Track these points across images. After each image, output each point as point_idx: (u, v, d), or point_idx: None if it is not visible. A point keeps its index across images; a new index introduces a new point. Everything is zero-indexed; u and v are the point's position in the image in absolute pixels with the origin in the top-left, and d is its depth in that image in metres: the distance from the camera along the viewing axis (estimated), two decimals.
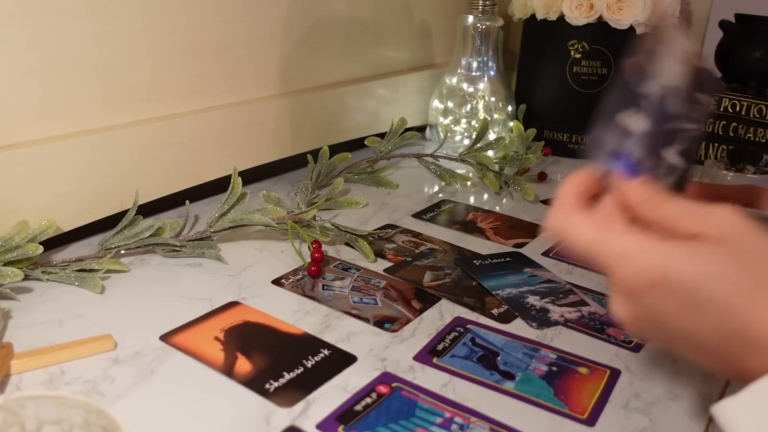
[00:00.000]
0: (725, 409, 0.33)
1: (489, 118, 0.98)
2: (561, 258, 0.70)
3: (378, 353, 0.52)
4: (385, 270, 0.66)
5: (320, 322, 0.56)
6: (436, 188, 0.90)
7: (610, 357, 0.53)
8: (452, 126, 1.00)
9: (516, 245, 0.73)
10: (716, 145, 1.03)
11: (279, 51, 0.83)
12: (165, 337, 0.53)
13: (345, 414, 0.45)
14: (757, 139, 0.99)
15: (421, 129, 1.05)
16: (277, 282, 0.63)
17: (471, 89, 0.99)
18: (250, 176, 0.85)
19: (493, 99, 0.99)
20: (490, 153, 0.94)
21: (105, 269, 0.61)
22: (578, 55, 1.00)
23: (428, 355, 0.52)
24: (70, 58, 0.63)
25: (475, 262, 0.67)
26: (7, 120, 0.60)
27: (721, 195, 0.49)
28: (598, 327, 0.57)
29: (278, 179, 0.90)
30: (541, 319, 0.58)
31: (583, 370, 0.51)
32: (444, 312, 0.58)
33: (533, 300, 0.61)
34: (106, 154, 0.66)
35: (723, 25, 1.03)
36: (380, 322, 0.56)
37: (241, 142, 0.80)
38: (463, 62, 0.99)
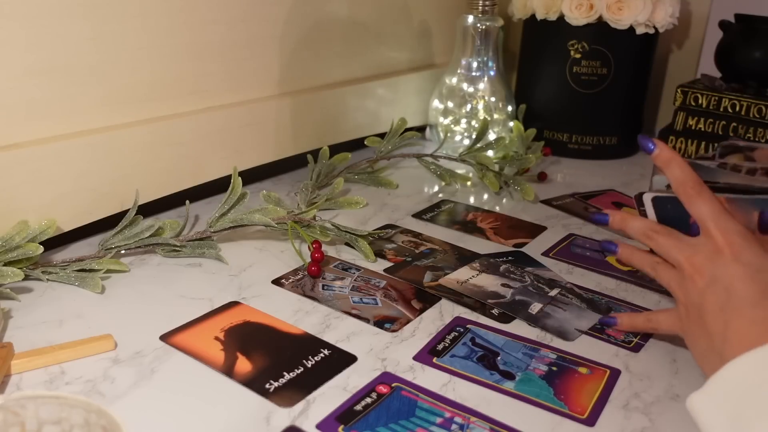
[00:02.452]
0: (692, 401, 0.41)
1: (489, 118, 0.98)
2: (561, 258, 0.70)
3: (378, 353, 0.52)
4: (385, 270, 0.66)
5: (320, 322, 0.56)
6: (436, 188, 0.90)
7: (610, 357, 0.53)
8: (452, 126, 1.00)
9: (516, 245, 0.73)
10: (715, 145, 1.03)
11: (279, 51, 0.83)
12: (165, 337, 0.53)
13: (345, 414, 0.45)
14: (756, 139, 0.99)
15: (421, 129, 1.05)
16: (277, 282, 0.63)
17: (471, 89, 0.99)
18: (250, 176, 0.85)
19: (493, 99, 0.99)
20: (490, 153, 0.94)
21: (105, 269, 0.61)
22: (578, 55, 1.00)
23: (428, 355, 0.52)
24: (70, 59, 0.63)
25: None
26: (7, 120, 0.60)
27: None
28: (598, 327, 0.57)
29: (278, 179, 0.90)
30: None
31: (583, 370, 0.51)
32: (444, 312, 0.59)
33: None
34: (106, 154, 0.66)
35: (723, 25, 1.03)
36: (380, 322, 0.56)
37: (241, 142, 0.80)
38: (463, 62, 0.99)
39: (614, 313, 0.57)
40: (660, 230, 0.52)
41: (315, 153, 0.86)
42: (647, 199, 0.56)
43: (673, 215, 0.54)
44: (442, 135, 0.99)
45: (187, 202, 0.70)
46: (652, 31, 0.98)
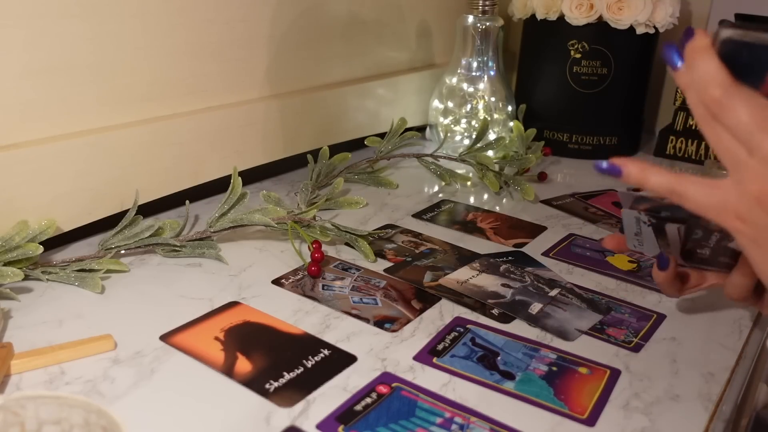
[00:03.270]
0: None
1: (489, 118, 0.98)
2: (561, 258, 0.70)
3: (378, 353, 0.52)
4: (385, 270, 0.66)
5: (320, 322, 0.56)
6: (436, 188, 0.90)
7: (610, 357, 0.53)
8: (452, 126, 1.00)
9: (516, 245, 0.73)
10: None
11: (278, 51, 0.83)
12: (165, 337, 0.53)
13: (345, 414, 0.45)
14: None
15: (421, 129, 1.05)
16: (277, 282, 0.63)
17: (471, 89, 0.99)
18: (250, 176, 0.85)
19: (493, 99, 0.99)
20: (490, 153, 0.94)
21: (105, 269, 0.61)
22: (578, 55, 1.00)
23: (428, 355, 0.52)
24: (69, 59, 0.63)
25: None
26: (6, 120, 0.60)
27: None
28: (598, 327, 0.57)
29: (278, 179, 0.90)
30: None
31: (583, 370, 0.51)
32: (444, 312, 0.58)
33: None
34: (105, 154, 0.66)
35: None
36: (380, 322, 0.56)
37: (240, 142, 0.80)
38: (463, 62, 0.99)
39: (619, 162, 0.43)
40: (737, 90, 0.36)
41: (315, 153, 0.86)
42: (719, 37, 0.40)
43: (746, 67, 0.38)
44: (442, 135, 0.99)
45: (187, 202, 0.70)
46: (652, 31, 0.98)
